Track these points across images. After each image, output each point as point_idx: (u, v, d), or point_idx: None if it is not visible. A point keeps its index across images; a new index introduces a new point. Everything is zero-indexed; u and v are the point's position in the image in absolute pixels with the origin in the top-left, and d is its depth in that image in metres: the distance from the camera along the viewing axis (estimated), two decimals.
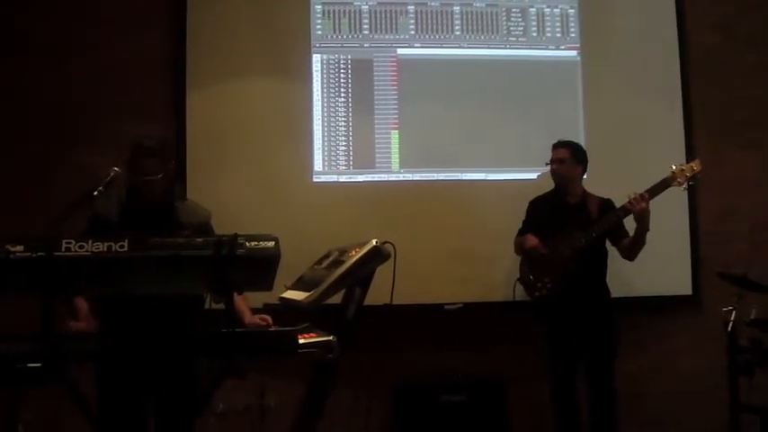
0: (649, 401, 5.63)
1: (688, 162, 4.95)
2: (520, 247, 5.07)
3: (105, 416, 3.58)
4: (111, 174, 3.57)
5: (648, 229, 4.74)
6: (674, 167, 4.81)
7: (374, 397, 5.34)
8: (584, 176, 5.13)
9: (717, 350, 4.71)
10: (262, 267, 2.94)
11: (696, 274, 5.72)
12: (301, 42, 5.65)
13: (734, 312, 4.56)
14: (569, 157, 5.02)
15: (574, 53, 5.82)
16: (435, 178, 5.64)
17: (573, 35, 5.83)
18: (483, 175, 5.66)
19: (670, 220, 5.45)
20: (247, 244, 2.88)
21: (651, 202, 4.72)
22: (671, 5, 5.90)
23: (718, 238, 5.76)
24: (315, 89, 5.63)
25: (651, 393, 5.66)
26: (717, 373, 4.75)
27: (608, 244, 5.00)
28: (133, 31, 5.57)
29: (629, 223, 4.84)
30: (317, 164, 5.58)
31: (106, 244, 2.77)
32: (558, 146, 5.08)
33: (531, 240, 4.93)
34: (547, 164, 5.07)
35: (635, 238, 4.82)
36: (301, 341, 3.26)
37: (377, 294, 3.56)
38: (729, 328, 4.56)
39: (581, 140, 5.34)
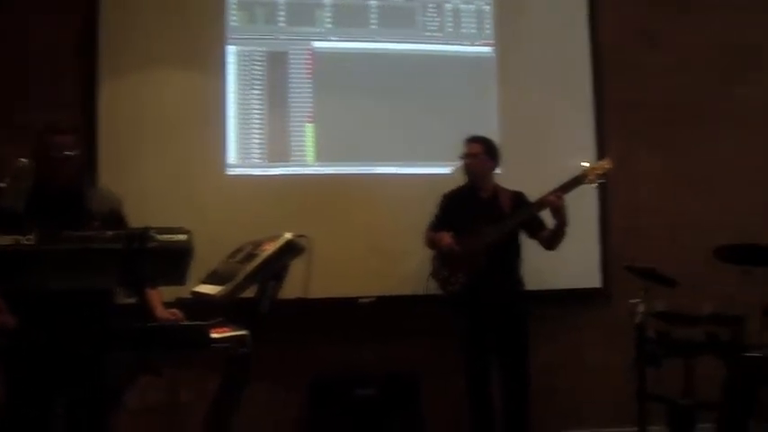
0: (561, 393, 5.74)
1: (599, 160, 5.05)
2: (432, 243, 5.10)
3: (12, 412, 3.49)
4: (19, 165, 3.48)
5: (567, 223, 4.80)
6: (585, 165, 4.87)
7: (288, 391, 5.33)
8: (497, 171, 5.19)
9: (625, 342, 4.81)
10: (174, 261, 2.92)
11: (606, 267, 5.85)
12: (216, 33, 5.59)
13: (641, 305, 4.66)
14: (482, 152, 5.07)
15: (489, 49, 5.88)
16: (350, 172, 5.65)
17: (488, 31, 5.89)
18: (397, 169, 5.69)
19: (581, 215, 5.53)
20: (159, 237, 2.85)
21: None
22: (583, 5, 6.01)
23: (626, 232, 5.90)
24: (229, 81, 5.57)
25: (563, 385, 5.76)
26: (625, 363, 4.85)
27: (523, 237, 5.07)
28: (44, 17, 5.43)
29: (546, 216, 4.93)
30: (231, 156, 5.53)
31: (13, 237, 2.71)
32: (471, 141, 5.12)
33: (445, 238, 4.94)
34: (460, 158, 5.12)
35: (555, 231, 4.88)
36: (214, 335, 3.25)
37: (291, 288, 3.56)
38: (637, 321, 4.67)
39: (495, 136, 5.39)
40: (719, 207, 5.96)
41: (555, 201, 4.74)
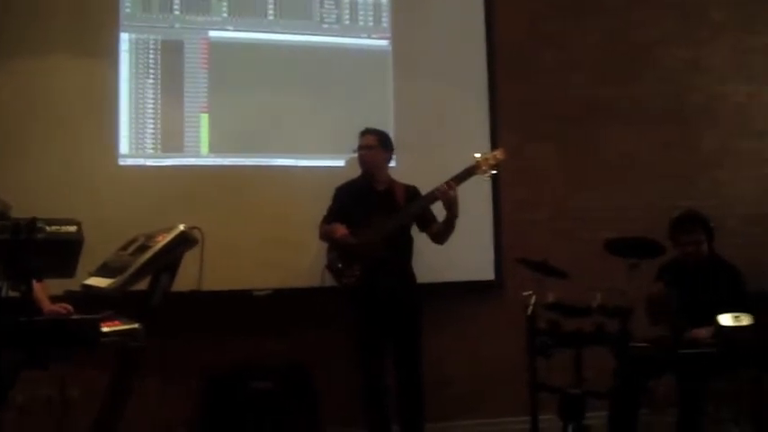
0: (455, 384, 5.81)
1: (492, 151, 5.11)
2: (326, 235, 5.09)
3: None
4: None
5: (457, 216, 4.86)
6: (478, 156, 4.92)
7: (181, 385, 5.24)
8: (392, 164, 5.20)
9: (518, 333, 4.88)
10: (63, 253, 2.84)
11: (498, 260, 5.94)
12: (109, 20, 5.44)
13: (533, 297, 4.74)
14: (377, 144, 5.09)
15: (385, 42, 5.90)
16: (245, 163, 5.58)
17: (385, 24, 5.90)
18: (293, 161, 5.65)
19: (474, 209, 5.62)
20: (47, 228, 2.77)
21: (457, 189, 4.83)
22: (480, 1, 6.08)
23: (519, 225, 6.01)
24: (122, 69, 5.44)
25: (457, 376, 5.83)
26: (517, 354, 4.92)
27: (414, 231, 5.10)
28: None
29: (438, 210, 4.96)
30: (123, 146, 5.40)
31: None
32: (366, 133, 5.13)
33: (339, 230, 4.94)
34: (354, 150, 5.12)
35: (445, 224, 4.94)
36: (105, 329, 3.18)
37: (184, 280, 3.51)
38: (529, 312, 4.74)
39: (390, 129, 5.42)
40: (610, 201, 6.15)
41: (447, 191, 4.79)
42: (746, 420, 4.64)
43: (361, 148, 5.10)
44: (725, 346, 4.36)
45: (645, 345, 4.59)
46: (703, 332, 4.56)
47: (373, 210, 4.96)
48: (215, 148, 5.54)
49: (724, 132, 6.43)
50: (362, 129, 5.16)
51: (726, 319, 4.35)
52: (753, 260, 5.76)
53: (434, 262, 5.32)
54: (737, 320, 4.33)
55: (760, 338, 4.37)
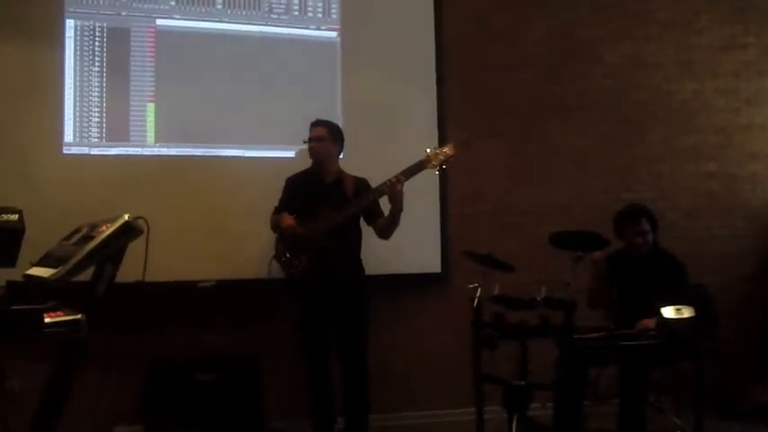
0: (401, 376, 5.82)
1: (441, 146, 5.11)
2: (276, 226, 5.06)
3: None
4: None
5: (402, 210, 4.87)
6: (428, 151, 4.93)
7: (125, 377, 5.17)
8: (341, 156, 5.18)
9: (463, 325, 4.90)
10: (4, 242, 2.77)
11: (445, 253, 5.95)
12: (54, 5, 5.34)
13: (479, 289, 4.75)
14: (327, 136, 5.07)
15: (334, 34, 5.87)
16: (192, 153, 5.52)
17: (334, 16, 5.87)
18: (241, 151, 5.60)
19: (422, 202, 5.64)
20: None
21: (405, 184, 4.85)
22: None
23: (465, 219, 6.04)
24: (67, 56, 5.34)
25: (402, 368, 5.84)
26: (463, 346, 4.94)
27: (362, 224, 5.10)
28: None
29: (385, 205, 4.96)
30: (68, 135, 5.31)
31: None
32: (316, 124, 5.12)
33: (287, 220, 4.92)
34: (305, 142, 5.09)
35: (390, 218, 4.95)
36: (47, 320, 3.11)
37: (129, 271, 3.45)
38: (475, 304, 4.76)
39: (338, 121, 5.39)
40: (555, 196, 6.22)
41: (393, 185, 4.80)
42: (687, 410, 4.70)
43: (311, 139, 5.08)
44: (667, 338, 4.43)
45: (588, 336, 4.64)
46: (650, 322, 4.63)
47: (322, 201, 4.95)
48: (161, 138, 5.47)
49: (667, 129, 6.52)
50: (312, 120, 5.13)
51: (668, 312, 4.41)
52: (692, 253, 5.86)
53: (382, 254, 5.32)
54: (679, 313, 4.40)
55: (700, 330, 4.45)
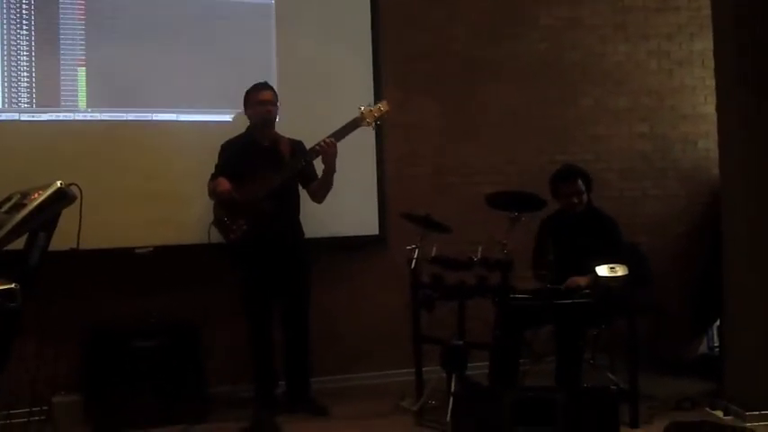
0: (341, 338, 5.85)
1: (376, 103, 5.11)
2: (213, 192, 5.02)
3: None
4: None
5: (335, 171, 4.89)
6: (362, 108, 4.94)
7: (63, 346, 5.11)
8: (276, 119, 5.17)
9: (402, 287, 4.94)
10: None
11: (383, 214, 5.97)
12: None
13: (417, 251, 4.79)
14: (276, 99, 5.11)
15: None
16: (125, 118, 5.43)
17: None
18: (175, 116, 5.53)
19: (358, 164, 5.64)
20: None
21: (342, 146, 4.85)
22: None
23: (402, 180, 6.06)
24: None
25: (344, 330, 5.87)
26: (402, 308, 4.98)
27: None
28: None
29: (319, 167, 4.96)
30: None
31: None
32: (267, 88, 5.13)
33: (223, 185, 4.90)
34: (259, 105, 5.07)
35: (323, 179, 4.98)
36: None
37: (63, 239, 3.40)
38: (413, 266, 4.79)
39: (273, 83, 5.34)
40: (490, 156, 6.24)
41: (326, 145, 4.82)
42: (623, 366, 4.80)
43: (264, 102, 5.05)
44: (601, 296, 4.51)
45: (524, 296, 4.70)
46: (582, 279, 4.71)
47: (259, 165, 4.94)
48: (93, 103, 5.36)
49: (601, 90, 6.57)
50: (257, 83, 5.13)
51: (602, 270, 4.49)
52: (627, 213, 5.99)
53: (321, 217, 5.34)
54: (613, 271, 4.48)
55: (633, 288, 4.54)
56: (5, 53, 5.20)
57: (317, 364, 5.30)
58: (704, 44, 6.26)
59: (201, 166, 5.12)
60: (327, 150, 4.83)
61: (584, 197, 5.09)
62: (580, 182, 5.08)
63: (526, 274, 5.03)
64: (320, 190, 5.04)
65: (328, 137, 4.83)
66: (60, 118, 5.31)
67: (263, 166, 4.94)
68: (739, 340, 4.81)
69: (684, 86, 6.67)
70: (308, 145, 5.00)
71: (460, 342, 4.66)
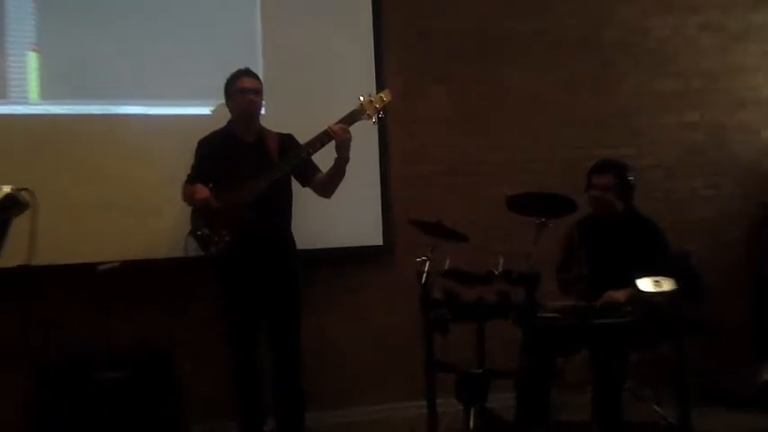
0: (341, 366, 5.88)
1: (378, 93, 5.11)
2: (190, 197, 5.02)
3: None
4: None
5: (349, 159, 4.88)
6: (361, 99, 4.89)
7: (11, 375, 5.14)
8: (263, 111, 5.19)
9: (411, 305, 4.93)
10: None
11: (387, 221, 5.99)
12: None
13: (427, 263, 4.77)
14: (261, 88, 5.10)
15: None
16: (85, 112, 5.48)
17: None
18: (145, 108, 5.56)
19: (359, 163, 5.62)
20: None
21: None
22: None
23: (409, 181, 6.07)
24: None
25: (344, 357, 5.90)
26: (412, 328, 4.97)
27: (296, 189, 5.11)
28: None
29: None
30: None
31: None
32: (251, 75, 5.11)
33: (201, 192, 4.87)
34: (243, 95, 5.04)
35: (334, 169, 4.94)
36: None
37: (12, 254, 3.43)
38: (423, 281, 4.78)
39: (259, 72, 5.36)
40: (513, 152, 6.24)
41: (341, 131, 4.79)
42: (669, 399, 4.78)
43: (248, 91, 5.05)
44: (644, 314, 4.49)
45: (554, 315, 4.68)
46: (620, 294, 4.68)
47: (243, 165, 4.93)
48: (47, 94, 5.41)
49: (643, 72, 6.56)
50: (238, 69, 5.10)
51: (645, 284, 4.45)
52: (674, 217, 5.95)
53: (313, 226, 5.36)
54: (658, 285, 4.45)
55: (682, 306, 4.51)
56: None
57: (313, 396, 5.30)
58: (766, 16, 6.24)
59: (175, 168, 5.14)
60: (343, 136, 4.82)
61: (610, 194, 5.02)
62: (612, 177, 5.02)
63: (556, 288, 5.03)
64: (330, 182, 5.01)
65: (336, 123, 4.79)
66: (8, 111, 5.34)
67: (247, 164, 4.92)
68: None
69: (742, 66, 6.67)
70: (300, 139, 4.99)
71: (480, 370, 4.66)
